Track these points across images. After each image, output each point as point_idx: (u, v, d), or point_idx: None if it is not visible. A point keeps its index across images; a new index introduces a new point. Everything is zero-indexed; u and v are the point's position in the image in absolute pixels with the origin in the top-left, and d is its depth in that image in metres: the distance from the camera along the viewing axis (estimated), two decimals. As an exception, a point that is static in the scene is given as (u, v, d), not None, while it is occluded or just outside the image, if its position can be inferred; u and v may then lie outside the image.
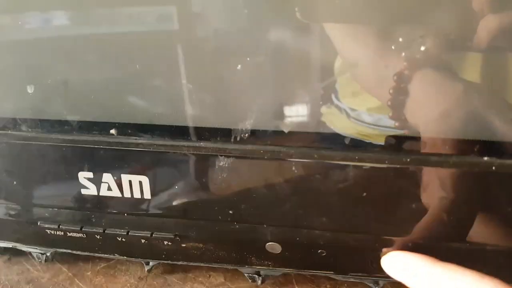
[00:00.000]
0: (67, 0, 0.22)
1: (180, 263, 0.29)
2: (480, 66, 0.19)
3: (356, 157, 0.21)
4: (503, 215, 0.21)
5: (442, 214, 0.21)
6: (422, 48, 0.19)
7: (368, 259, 0.24)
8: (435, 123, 0.20)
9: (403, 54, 0.19)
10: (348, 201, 0.22)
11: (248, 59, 0.21)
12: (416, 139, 0.20)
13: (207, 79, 0.23)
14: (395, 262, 0.21)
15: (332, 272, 0.26)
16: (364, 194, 0.22)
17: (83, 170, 0.24)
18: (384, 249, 0.22)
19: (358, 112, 0.21)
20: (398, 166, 0.20)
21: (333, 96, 0.21)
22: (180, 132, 0.23)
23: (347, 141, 0.21)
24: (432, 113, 0.20)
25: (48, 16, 0.23)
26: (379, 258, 0.22)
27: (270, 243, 0.25)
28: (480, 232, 0.21)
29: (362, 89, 0.21)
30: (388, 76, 0.19)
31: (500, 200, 0.21)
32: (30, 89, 0.24)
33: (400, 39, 0.19)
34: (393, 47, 0.19)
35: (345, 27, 0.20)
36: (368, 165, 0.21)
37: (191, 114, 0.23)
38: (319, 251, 0.24)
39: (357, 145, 0.21)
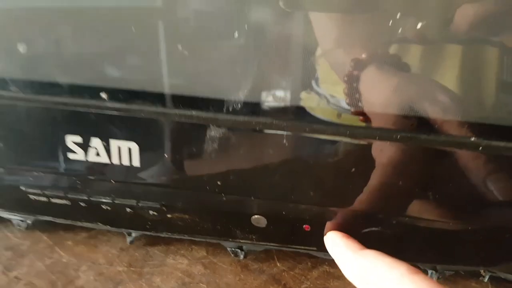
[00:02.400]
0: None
1: (163, 234, 0.29)
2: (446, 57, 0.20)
3: (347, 132, 0.21)
4: (441, 191, 0.22)
5: (386, 187, 0.22)
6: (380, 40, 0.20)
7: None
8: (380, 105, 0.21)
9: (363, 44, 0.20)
10: (332, 177, 0.23)
11: (236, 35, 0.21)
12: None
13: (199, 49, 0.23)
14: (330, 243, 0.22)
15: (314, 249, 0.27)
16: (342, 169, 0.22)
17: (71, 134, 0.24)
18: (326, 227, 0.24)
19: (337, 98, 0.22)
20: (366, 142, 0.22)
21: (313, 83, 0.22)
22: (172, 100, 0.23)
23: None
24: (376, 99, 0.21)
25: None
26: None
27: (256, 216, 0.25)
28: (419, 206, 0.23)
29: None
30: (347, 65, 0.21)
31: (438, 175, 0.22)
32: (21, 49, 0.23)
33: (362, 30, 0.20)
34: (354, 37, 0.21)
35: (320, 16, 0.21)
36: (347, 140, 0.22)
37: (183, 83, 0.23)
38: (304, 226, 0.25)
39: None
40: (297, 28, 0.21)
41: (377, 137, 0.21)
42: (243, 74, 0.23)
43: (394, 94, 0.21)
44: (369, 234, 0.24)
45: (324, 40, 0.21)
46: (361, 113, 0.21)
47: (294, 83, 0.22)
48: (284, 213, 0.24)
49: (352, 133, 0.21)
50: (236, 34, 0.21)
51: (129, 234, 0.30)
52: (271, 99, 0.22)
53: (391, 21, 0.20)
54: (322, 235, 0.24)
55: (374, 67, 0.21)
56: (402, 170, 0.22)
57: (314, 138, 0.22)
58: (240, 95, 0.22)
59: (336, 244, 0.22)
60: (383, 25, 0.20)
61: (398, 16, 0.19)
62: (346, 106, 0.21)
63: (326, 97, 0.22)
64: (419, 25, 0.19)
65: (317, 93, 0.22)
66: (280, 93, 0.22)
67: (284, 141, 0.22)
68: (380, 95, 0.21)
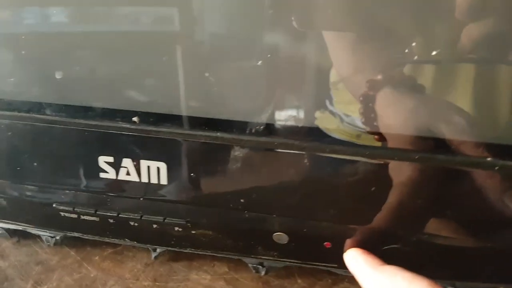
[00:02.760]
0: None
1: (187, 250, 0.30)
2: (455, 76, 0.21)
3: (366, 153, 0.22)
4: (459, 209, 0.23)
5: (404, 205, 0.23)
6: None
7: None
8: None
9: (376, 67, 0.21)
10: (352, 195, 0.24)
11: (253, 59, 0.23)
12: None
13: (223, 76, 0.24)
14: (351, 260, 0.23)
15: (335, 266, 0.27)
16: (362, 188, 0.23)
17: (103, 155, 0.26)
18: (346, 244, 0.24)
19: (352, 117, 0.22)
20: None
21: (327, 103, 0.23)
22: (198, 122, 0.24)
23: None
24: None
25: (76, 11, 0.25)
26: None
27: (277, 233, 0.26)
28: (437, 224, 0.24)
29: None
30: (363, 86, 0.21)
31: (455, 194, 0.23)
32: (58, 75, 0.25)
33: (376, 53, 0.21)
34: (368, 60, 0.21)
35: (335, 37, 0.22)
36: (366, 160, 0.22)
37: (208, 106, 0.25)
38: (324, 243, 0.26)
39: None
40: (312, 48, 0.23)
41: (395, 158, 0.22)
42: (262, 96, 0.24)
43: (411, 115, 0.22)
44: (388, 251, 0.25)
45: (339, 60, 0.22)
46: (376, 133, 0.22)
47: (308, 103, 0.23)
48: (305, 230, 0.25)
49: (372, 153, 0.22)
50: (254, 58, 0.23)
51: (154, 250, 0.31)
52: (287, 119, 0.23)
53: (405, 44, 0.21)
54: (342, 252, 0.25)
55: (389, 88, 0.22)
56: (421, 189, 0.23)
57: (334, 158, 0.23)
58: (260, 117, 0.23)
59: (356, 260, 0.23)
60: (398, 47, 0.21)
61: (413, 38, 0.20)
62: (361, 125, 0.22)
63: (341, 116, 0.23)
64: (434, 53, 0.20)
65: (332, 113, 0.23)
66: (294, 113, 0.23)
67: (305, 160, 0.23)
68: (397, 116, 0.22)
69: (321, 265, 0.28)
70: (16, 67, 0.26)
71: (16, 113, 0.26)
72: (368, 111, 0.22)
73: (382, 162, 0.22)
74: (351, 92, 0.23)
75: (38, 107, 0.26)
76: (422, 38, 0.21)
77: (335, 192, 0.24)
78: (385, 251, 0.25)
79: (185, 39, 0.24)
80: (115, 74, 0.25)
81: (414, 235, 0.24)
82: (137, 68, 0.25)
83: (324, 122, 0.23)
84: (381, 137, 0.22)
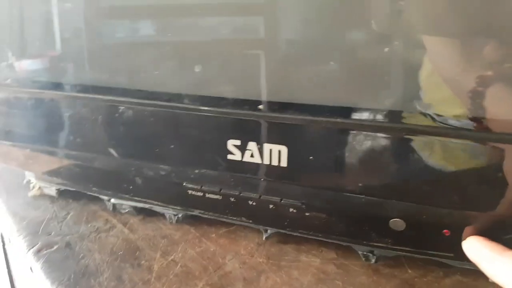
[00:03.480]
0: None
1: (297, 233, 0.32)
2: None
3: (493, 137, 0.22)
4: None
5: None
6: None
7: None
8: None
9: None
10: (475, 180, 0.24)
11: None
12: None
13: (346, 66, 0.26)
14: (472, 248, 0.23)
15: (451, 255, 0.27)
16: (485, 173, 0.23)
17: (232, 138, 0.29)
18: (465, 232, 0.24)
19: (445, 117, 0.22)
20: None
21: (416, 103, 0.23)
22: (319, 109, 0.26)
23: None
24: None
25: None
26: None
27: (395, 219, 0.27)
28: None
29: (450, 96, 0.23)
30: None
31: None
32: (197, 68, 0.29)
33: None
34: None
35: (438, 39, 0.22)
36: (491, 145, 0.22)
37: (332, 94, 0.26)
38: (443, 231, 0.25)
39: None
40: (400, 49, 0.23)
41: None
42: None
43: None
44: (510, 241, 0.24)
45: (445, 62, 0.23)
46: (483, 128, 0.22)
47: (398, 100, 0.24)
48: (424, 217, 0.25)
49: (498, 138, 0.22)
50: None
51: (266, 231, 0.34)
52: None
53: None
54: (461, 241, 0.25)
55: (500, 83, 0.21)
56: None
57: (455, 143, 0.23)
58: (382, 104, 0.24)
59: (479, 248, 0.22)
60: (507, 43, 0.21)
61: None
62: (454, 124, 0.22)
63: (432, 116, 0.23)
64: None
65: (421, 113, 0.23)
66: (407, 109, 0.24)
67: (426, 146, 0.24)
68: (508, 109, 0.22)
69: (436, 255, 0.28)
70: (161, 62, 0.31)
71: (158, 102, 0.30)
72: (476, 107, 0.22)
73: (499, 147, 0.22)
74: (454, 90, 0.23)
75: (177, 97, 0.30)
76: None
77: (457, 178, 0.24)
78: (507, 240, 0.24)
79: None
80: (245, 67, 0.29)
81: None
82: (266, 63, 0.28)
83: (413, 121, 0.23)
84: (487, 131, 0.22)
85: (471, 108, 0.22)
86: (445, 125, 0.23)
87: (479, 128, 0.22)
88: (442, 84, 0.23)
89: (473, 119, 0.22)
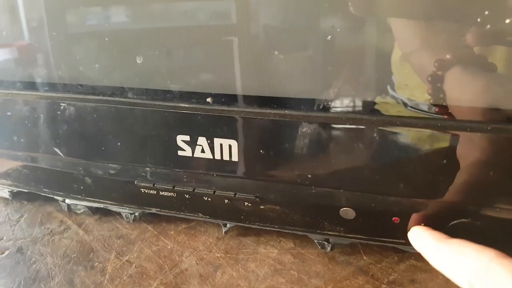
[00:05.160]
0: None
1: (255, 226, 0.32)
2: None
3: (438, 125, 0.22)
4: None
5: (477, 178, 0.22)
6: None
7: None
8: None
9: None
10: (422, 169, 0.24)
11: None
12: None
13: (288, 57, 0.25)
14: (416, 237, 0.23)
15: (403, 241, 0.27)
16: (432, 161, 0.23)
17: (181, 134, 0.28)
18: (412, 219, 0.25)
19: (416, 102, 0.22)
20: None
21: (388, 88, 0.23)
22: (267, 101, 0.26)
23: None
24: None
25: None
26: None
27: (344, 208, 0.27)
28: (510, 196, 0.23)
29: (420, 80, 0.23)
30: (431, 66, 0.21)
31: None
32: (139, 60, 0.27)
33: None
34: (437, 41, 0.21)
35: (400, 20, 0.22)
36: (438, 133, 0.22)
37: (277, 86, 0.26)
38: (393, 218, 0.26)
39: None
40: (372, 33, 0.23)
41: (468, 129, 0.22)
42: (324, 77, 0.25)
43: (481, 93, 0.21)
44: (455, 227, 0.25)
45: (406, 43, 0.22)
46: (445, 113, 0.22)
47: (369, 88, 0.24)
48: (373, 205, 0.26)
49: (443, 125, 0.22)
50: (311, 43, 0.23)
51: (225, 225, 0.33)
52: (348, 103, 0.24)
53: (475, 23, 0.20)
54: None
55: (459, 67, 0.21)
56: (494, 161, 0.22)
57: (403, 131, 0.23)
58: (328, 94, 0.24)
59: (421, 236, 0.23)
60: (467, 27, 0.21)
61: (482, 17, 0.20)
62: (426, 109, 0.22)
63: (404, 101, 0.23)
64: (507, 21, 0.20)
65: (393, 98, 0.23)
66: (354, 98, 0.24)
67: (374, 135, 0.24)
68: (468, 93, 0.22)
69: (388, 241, 0.28)
70: (100, 54, 0.29)
71: (100, 97, 0.29)
72: (437, 91, 0.22)
73: (453, 134, 0.22)
74: (418, 74, 0.23)
75: (120, 91, 0.29)
76: (495, 16, 0.20)
77: (404, 166, 0.24)
78: (452, 227, 0.25)
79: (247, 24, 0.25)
80: (190, 60, 0.28)
81: (485, 208, 0.24)
82: (210, 53, 0.27)
83: (385, 108, 0.23)
84: (450, 116, 0.22)
85: (431, 93, 0.22)
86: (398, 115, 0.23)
87: (439, 113, 0.22)
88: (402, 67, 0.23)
89: (433, 103, 0.22)
